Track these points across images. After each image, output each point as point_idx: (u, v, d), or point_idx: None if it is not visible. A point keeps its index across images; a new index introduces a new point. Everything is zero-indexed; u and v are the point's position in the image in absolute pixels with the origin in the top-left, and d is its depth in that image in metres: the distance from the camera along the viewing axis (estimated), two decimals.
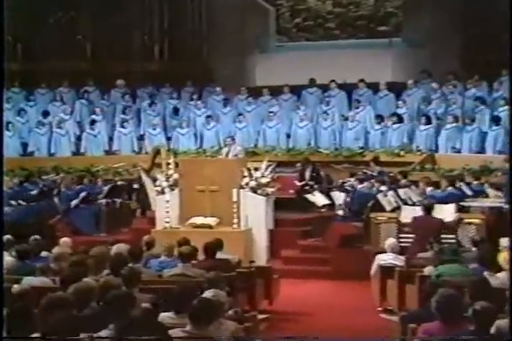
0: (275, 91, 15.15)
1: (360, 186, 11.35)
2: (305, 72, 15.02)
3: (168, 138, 14.72)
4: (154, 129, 14.65)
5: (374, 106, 14.65)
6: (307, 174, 12.78)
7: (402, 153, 13.37)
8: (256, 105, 15.22)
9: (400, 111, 14.18)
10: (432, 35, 14.90)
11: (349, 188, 11.54)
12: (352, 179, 11.87)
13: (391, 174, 11.82)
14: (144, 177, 12.59)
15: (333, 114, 14.55)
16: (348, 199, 11.26)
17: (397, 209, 10.71)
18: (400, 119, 13.91)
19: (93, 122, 14.68)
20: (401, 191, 10.97)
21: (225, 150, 12.54)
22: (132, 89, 15.77)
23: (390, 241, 9.09)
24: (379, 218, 10.52)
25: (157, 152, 12.65)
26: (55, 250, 7.92)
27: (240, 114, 14.69)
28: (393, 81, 14.89)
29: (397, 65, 15.25)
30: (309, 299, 9.42)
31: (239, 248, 10.14)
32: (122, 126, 14.67)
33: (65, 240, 8.74)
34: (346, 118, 14.36)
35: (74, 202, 12.36)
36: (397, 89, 14.63)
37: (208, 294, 6.08)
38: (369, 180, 11.52)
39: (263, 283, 8.54)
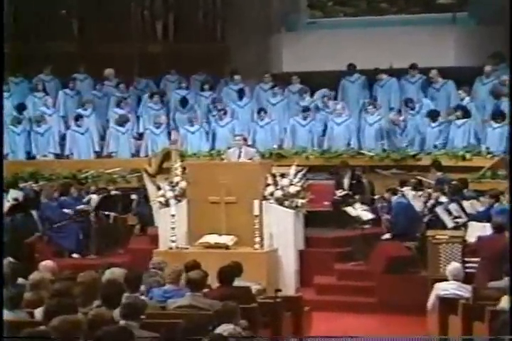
0: (307, 79, 15.15)
1: (395, 198, 11.32)
2: (343, 55, 14.98)
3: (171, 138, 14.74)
4: (158, 127, 14.69)
5: (430, 98, 14.63)
6: (346, 182, 12.75)
7: (468, 155, 13.24)
8: (283, 96, 15.23)
9: (465, 103, 14.09)
10: (508, 10, 14.75)
11: (384, 203, 11.54)
12: (403, 188, 11.77)
13: (453, 182, 11.72)
14: (148, 184, 12.63)
15: (381, 107, 14.52)
16: (388, 215, 11.27)
17: (461, 226, 10.66)
18: (466, 114, 13.80)
19: (80, 117, 14.72)
20: (466, 203, 10.91)
21: (231, 152, 12.41)
22: (129, 76, 15.83)
23: (453, 267, 9.04)
24: (438, 237, 10.47)
25: (166, 155, 12.63)
26: (34, 276, 7.89)
27: (260, 110, 14.63)
28: (457, 66, 14.79)
29: (461, 47, 15.12)
30: (348, 337, 9.34)
31: (261, 273, 10.20)
32: (120, 125, 14.71)
33: (46, 264, 8.75)
34: (399, 111, 14.32)
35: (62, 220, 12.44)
36: (460, 77, 14.50)
37: (221, 330, 6.03)
38: (425, 189, 11.46)
39: (291, 317, 8.51)
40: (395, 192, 11.40)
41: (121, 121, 14.80)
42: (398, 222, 11.06)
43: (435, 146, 13.73)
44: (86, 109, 15.07)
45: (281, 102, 15.14)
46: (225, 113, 14.73)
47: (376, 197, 11.67)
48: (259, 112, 14.64)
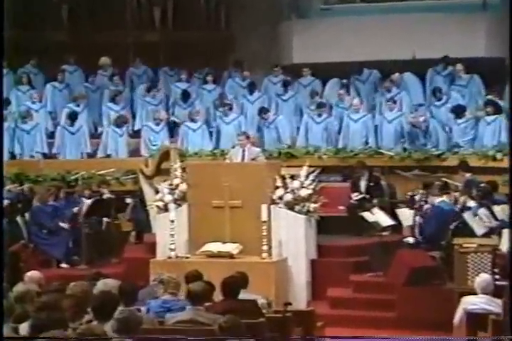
0: (319, 71, 15.18)
1: (438, 201, 11.27)
2: (360, 44, 14.99)
3: (172, 135, 14.78)
4: (157, 124, 14.69)
5: (457, 92, 14.65)
6: (362, 184, 12.75)
7: (498, 155, 13.19)
8: (293, 91, 15.23)
9: (495, 98, 14.08)
10: None
11: (422, 204, 11.45)
12: (426, 191, 11.73)
13: (483, 185, 11.68)
14: (144, 187, 12.61)
15: (402, 101, 14.53)
16: (421, 218, 11.22)
17: (491, 233, 10.62)
18: (497, 110, 13.76)
19: (73, 115, 14.75)
20: (497, 208, 10.86)
21: (234, 151, 12.42)
22: (124, 68, 15.86)
23: (482, 279, 8.97)
24: (466, 245, 10.43)
25: (165, 154, 12.60)
26: (19, 287, 7.90)
27: (262, 109, 14.55)
28: (487, 57, 14.77)
29: (492, 36, 15.06)
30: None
31: (270, 285, 10.23)
32: (117, 126, 14.70)
33: (31, 274, 8.75)
34: (420, 105, 14.29)
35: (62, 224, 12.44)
36: (491, 69, 14.45)
37: None
38: (451, 192, 11.45)
39: (302, 333, 8.47)
40: (440, 194, 11.33)
41: (120, 122, 14.81)
42: (428, 227, 11.03)
43: (457, 145, 13.65)
44: (78, 105, 15.10)
45: (293, 98, 15.13)
46: (231, 108, 14.74)
47: (418, 196, 11.59)
48: (260, 113, 14.53)
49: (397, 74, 14.90)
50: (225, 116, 14.68)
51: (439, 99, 14.35)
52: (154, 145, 14.37)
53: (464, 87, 14.74)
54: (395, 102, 14.36)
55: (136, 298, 7.55)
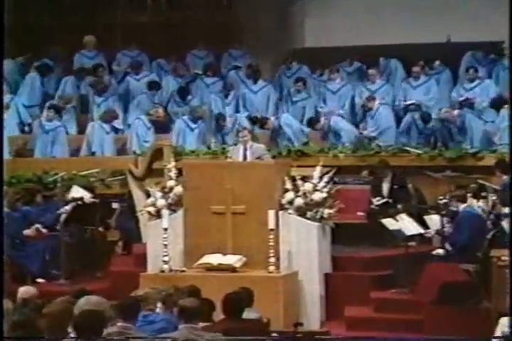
0: (335, 57, 15.20)
1: (472, 206, 11.29)
2: (384, 26, 15.04)
3: (165, 131, 14.80)
4: (151, 121, 14.76)
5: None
6: (385, 186, 12.73)
7: None
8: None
9: None
10: None
11: (454, 209, 11.44)
12: (458, 195, 11.70)
13: None
14: (134, 190, 12.64)
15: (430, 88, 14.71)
16: (453, 226, 11.20)
17: None
18: None
19: (53, 108, 14.82)
20: None
21: (234, 150, 12.38)
22: (111, 53, 15.94)
23: None
24: (504, 258, 10.42)
25: (157, 152, 12.64)
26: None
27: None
28: None
29: None
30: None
31: (277, 302, 10.22)
32: (105, 121, 14.73)
33: (27, 289, 8.84)
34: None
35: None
36: None
37: None
38: (488, 196, 11.48)
39: None
40: (462, 200, 11.34)
41: (108, 117, 14.81)
42: (461, 236, 11.03)
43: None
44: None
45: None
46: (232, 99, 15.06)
47: (443, 201, 11.59)
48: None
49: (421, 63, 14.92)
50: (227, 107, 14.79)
51: (472, 80, 14.35)
52: (146, 141, 14.38)
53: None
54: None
55: (137, 313, 7.53)
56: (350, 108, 15.07)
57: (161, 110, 14.88)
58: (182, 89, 15.34)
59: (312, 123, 14.58)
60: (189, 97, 15.30)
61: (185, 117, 14.71)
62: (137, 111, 15.14)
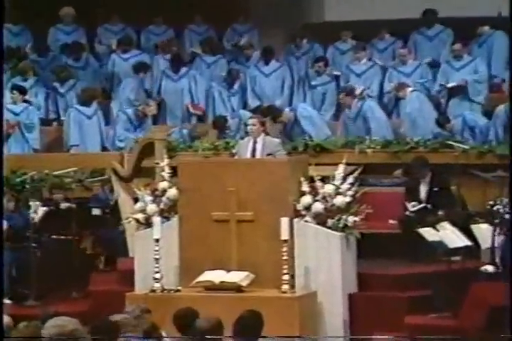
0: (361, 33, 15.42)
1: None
2: None
3: (156, 122, 15.04)
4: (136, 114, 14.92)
5: None
6: (423, 189, 12.76)
7: None
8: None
9: None
10: None
11: (506, 217, 11.44)
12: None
13: None
14: (119, 192, 12.70)
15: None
16: (504, 238, 11.24)
17: None
18: None
19: (19, 91, 14.95)
20: None
21: (242, 144, 12.36)
22: (93, 27, 16.17)
23: None
24: None
25: (147, 148, 12.74)
26: None
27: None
28: None
29: None
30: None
31: (292, 328, 10.28)
32: (84, 104, 14.83)
33: None
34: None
35: None
36: None
37: None
38: None
39: None
40: None
41: (87, 98, 14.85)
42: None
43: None
44: (26, 79, 15.37)
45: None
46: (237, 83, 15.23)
47: (500, 207, 11.60)
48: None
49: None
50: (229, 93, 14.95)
51: None
52: (121, 140, 14.54)
53: None
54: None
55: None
56: (378, 94, 15.13)
57: (152, 104, 14.90)
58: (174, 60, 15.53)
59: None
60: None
61: None
62: (122, 99, 15.25)
